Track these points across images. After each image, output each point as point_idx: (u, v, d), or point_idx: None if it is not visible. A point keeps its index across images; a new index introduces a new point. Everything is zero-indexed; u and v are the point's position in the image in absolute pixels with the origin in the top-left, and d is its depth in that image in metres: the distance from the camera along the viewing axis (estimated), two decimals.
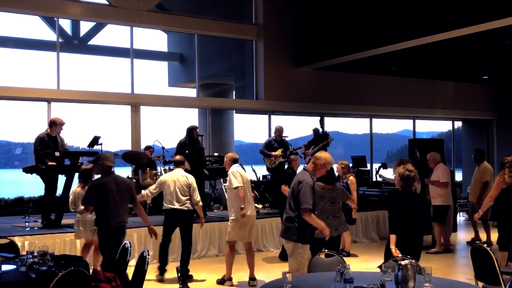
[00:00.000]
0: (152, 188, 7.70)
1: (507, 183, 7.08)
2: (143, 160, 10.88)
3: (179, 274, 4.05)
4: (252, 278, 7.45)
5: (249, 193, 7.47)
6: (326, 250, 5.18)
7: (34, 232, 8.23)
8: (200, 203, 7.54)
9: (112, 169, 6.42)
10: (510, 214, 7.06)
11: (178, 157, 7.96)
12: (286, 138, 11.53)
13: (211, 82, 15.37)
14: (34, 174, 8.77)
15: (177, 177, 7.50)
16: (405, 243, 5.23)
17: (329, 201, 7.04)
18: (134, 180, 10.73)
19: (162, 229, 7.61)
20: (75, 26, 13.02)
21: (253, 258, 7.49)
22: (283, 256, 8.85)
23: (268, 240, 9.89)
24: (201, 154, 10.36)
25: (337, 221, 7.10)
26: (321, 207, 6.92)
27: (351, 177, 9.03)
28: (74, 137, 18.40)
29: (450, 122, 18.16)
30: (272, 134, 11.66)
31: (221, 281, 7.49)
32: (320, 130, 12.70)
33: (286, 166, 9.87)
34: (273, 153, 10.83)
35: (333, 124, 16.10)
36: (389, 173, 14.49)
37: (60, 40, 12.06)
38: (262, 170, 12.05)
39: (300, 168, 12.33)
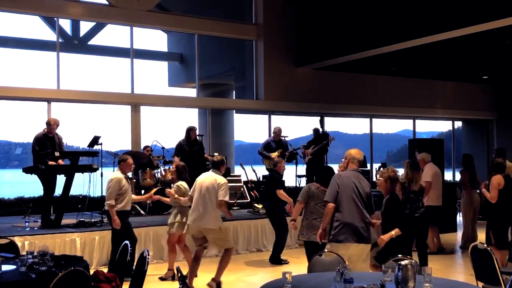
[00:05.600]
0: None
1: None
2: (143, 160, 10.89)
3: (179, 274, 4.04)
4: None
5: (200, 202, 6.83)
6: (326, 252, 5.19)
7: (34, 232, 8.23)
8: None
9: None
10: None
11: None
12: (286, 138, 11.54)
13: (211, 82, 15.37)
14: (34, 174, 8.79)
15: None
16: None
17: (321, 202, 6.70)
18: (134, 180, 10.75)
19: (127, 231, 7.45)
20: (75, 26, 13.02)
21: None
22: (274, 260, 8.80)
23: (268, 240, 9.88)
24: (201, 154, 10.34)
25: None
26: (311, 208, 6.89)
27: None
28: (74, 137, 18.43)
29: (450, 122, 18.15)
30: (272, 135, 11.66)
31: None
32: (320, 130, 12.70)
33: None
34: (272, 154, 10.82)
35: (333, 124, 16.12)
36: None
37: (60, 40, 12.06)
38: (262, 170, 12.06)
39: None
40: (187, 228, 7.18)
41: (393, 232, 5.53)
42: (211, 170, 7.00)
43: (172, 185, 10.84)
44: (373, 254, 5.72)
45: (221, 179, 6.77)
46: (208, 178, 6.85)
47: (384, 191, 5.81)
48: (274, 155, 10.78)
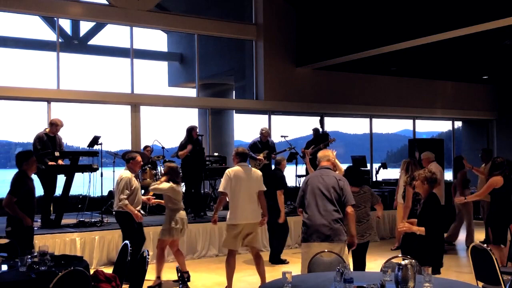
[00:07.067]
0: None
1: None
2: (143, 160, 10.86)
3: (179, 274, 4.04)
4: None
5: (247, 196, 6.64)
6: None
7: (34, 232, 8.20)
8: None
9: None
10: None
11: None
12: (286, 138, 11.51)
13: (211, 82, 15.38)
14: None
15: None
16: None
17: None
18: None
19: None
20: (75, 26, 13.02)
21: (261, 265, 6.90)
22: (274, 260, 8.82)
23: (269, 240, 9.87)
24: (201, 154, 10.35)
25: (363, 227, 6.61)
26: None
27: None
28: (74, 137, 18.42)
29: (450, 122, 18.15)
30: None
31: None
32: (320, 130, 12.69)
33: (273, 167, 9.73)
34: (258, 156, 10.79)
35: (333, 124, 16.13)
36: (389, 173, 14.49)
37: (60, 40, 12.06)
38: None
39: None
40: (180, 232, 7.20)
41: (417, 229, 5.39)
42: (240, 164, 6.72)
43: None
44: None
45: (258, 170, 6.85)
46: (245, 172, 6.62)
47: (423, 192, 5.61)
48: (261, 156, 10.76)
